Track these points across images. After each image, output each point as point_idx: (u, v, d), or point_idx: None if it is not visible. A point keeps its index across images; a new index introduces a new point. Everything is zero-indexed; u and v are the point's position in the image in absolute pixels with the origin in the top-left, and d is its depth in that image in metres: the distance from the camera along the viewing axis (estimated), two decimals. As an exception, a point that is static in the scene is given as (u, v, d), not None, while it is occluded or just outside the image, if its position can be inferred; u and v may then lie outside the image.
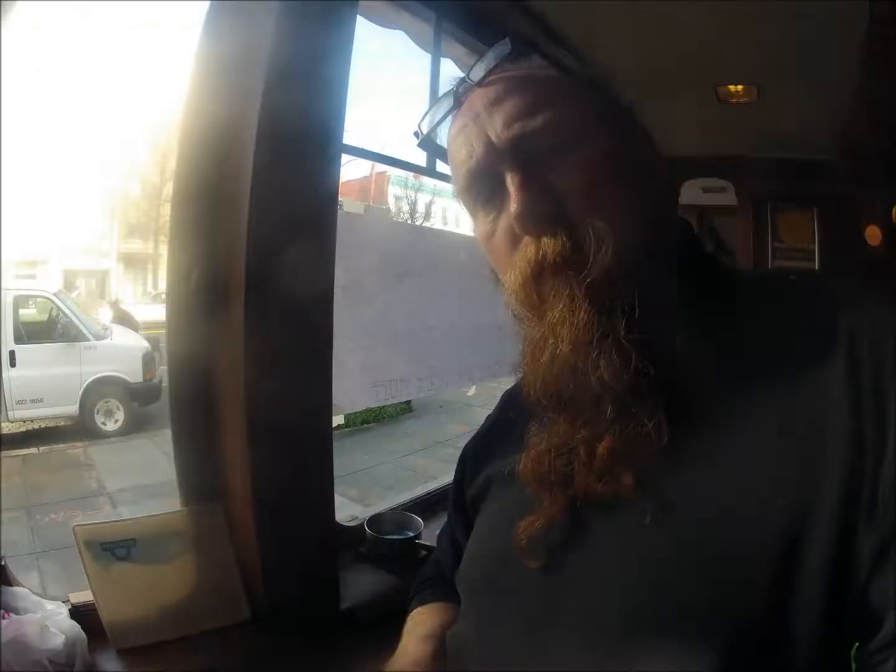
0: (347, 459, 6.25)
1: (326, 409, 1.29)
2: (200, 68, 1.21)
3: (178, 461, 1.24)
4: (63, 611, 1.23)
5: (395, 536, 1.56)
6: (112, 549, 1.18)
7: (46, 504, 4.69)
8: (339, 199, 1.55)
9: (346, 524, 1.54)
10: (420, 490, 2.08)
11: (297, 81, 1.13)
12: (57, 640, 1.14)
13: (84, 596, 1.23)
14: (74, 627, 1.19)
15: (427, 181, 22.95)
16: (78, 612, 1.22)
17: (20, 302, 6.38)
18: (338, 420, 1.51)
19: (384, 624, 1.46)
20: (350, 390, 1.60)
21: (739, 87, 2.72)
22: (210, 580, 1.23)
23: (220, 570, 1.24)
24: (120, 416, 6.64)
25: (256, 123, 1.08)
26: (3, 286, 6.03)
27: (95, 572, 1.19)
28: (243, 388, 1.10)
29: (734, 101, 2.80)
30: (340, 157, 1.27)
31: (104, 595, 1.20)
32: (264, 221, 1.11)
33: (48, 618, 1.20)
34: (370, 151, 1.66)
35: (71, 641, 1.16)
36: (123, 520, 1.22)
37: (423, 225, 18.20)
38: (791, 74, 2.55)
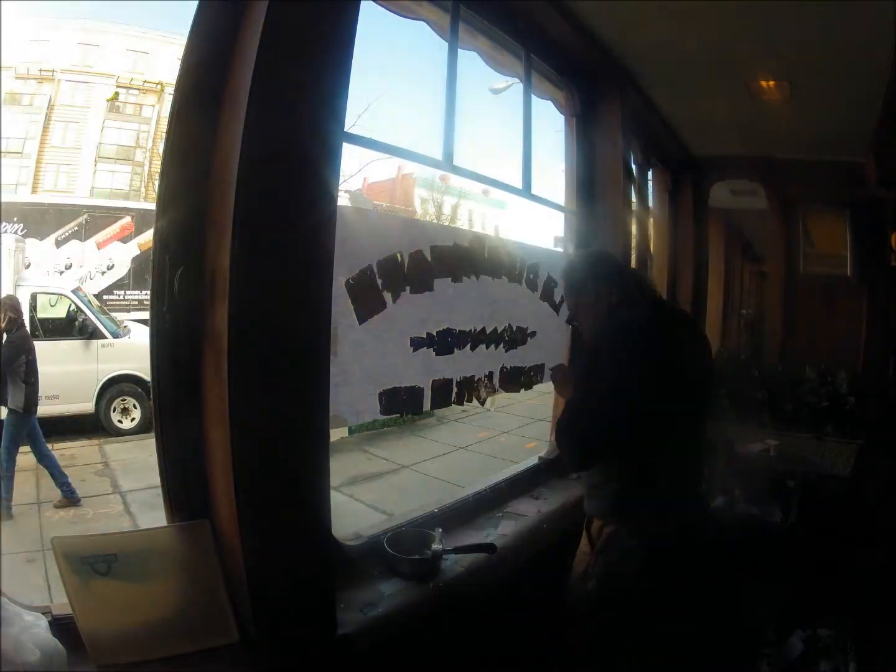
0: (364, 464, 6.16)
1: (322, 419, 1.21)
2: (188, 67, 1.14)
3: (162, 472, 1.16)
4: (42, 623, 1.17)
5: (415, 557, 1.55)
6: (92, 563, 1.11)
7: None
8: (350, 195, 1.47)
9: (347, 542, 1.45)
10: (448, 499, 1.99)
11: (289, 68, 1.06)
12: (33, 658, 1.08)
13: (67, 607, 1.17)
14: (52, 642, 1.13)
15: (454, 183, 22.98)
16: (59, 624, 1.17)
17: (38, 298, 6.46)
18: (341, 433, 1.43)
19: (384, 653, 1.40)
20: (355, 401, 1.50)
21: (771, 83, 2.61)
22: (195, 599, 1.16)
23: (207, 589, 1.16)
24: (136, 414, 6.67)
25: (244, 118, 1.01)
26: (20, 282, 6.15)
27: (74, 586, 1.12)
28: (229, 397, 1.02)
29: (766, 97, 2.68)
30: (340, 149, 1.19)
31: (84, 610, 1.13)
32: (251, 217, 1.04)
33: (26, 630, 1.15)
34: (378, 141, 1.58)
35: (48, 658, 1.10)
36: (104, 534, 1.16)
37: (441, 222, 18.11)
38: (823, 74, 2.46)
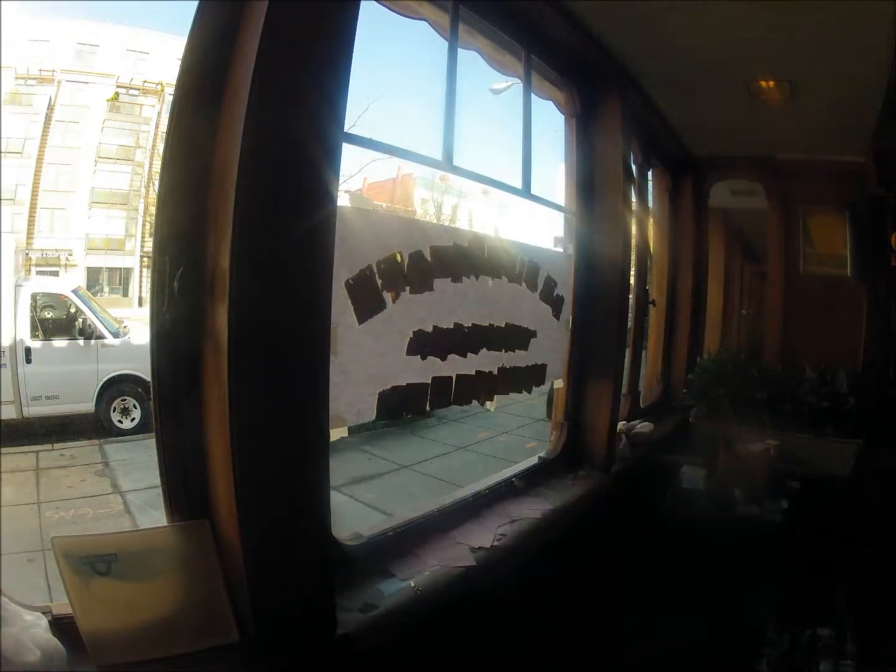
0: (364, 464, 6.16)
1: (322, 419, 1.21)
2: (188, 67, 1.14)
3: (162, 472, 1.16)
4: (42, 622, 1.17)
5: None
6: (92, 563, 1.11)
7: (57, 501, 4.71)
8: (350, 195, 1.47)
9: (347, 542, 1.45)
10: (448, 499, 1.98)
11: (289, 68, 1.06)
12: (33, 658, 1.08)
13: (67, 607, 1.17)
14: (52, 642, 1.13)
15: (454, 183, 23.02)
16: (59, 624, 1.16)
17: (38, 299, 6.47)
18: (341, 433, 1.42)
19: (384, 653, 1.40)
20: (355, 401, 1.50)
21: (771, 83, 2.61)
22: (196, 599, 1.16)
23: (207, 588, 1.16)
24: (136, 414, 6.69)
25: (244, 118, 1.01)
26: (20, 283, 6.15)
27: (75, 586, 1.12)
28: (229, 397, 1.02)
29: (766, 97, 2.68)
30: (340, 149, 1.19)
31: (84, 610, 1.13)
32: (251, 217, 1.04)
33: (26, 630, 1.14)
34: (378, 142, 1.58)
35: (48, 658, 1.10)
36: (104, 534, 1.16)
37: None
38: (823, 74, 2.46)
